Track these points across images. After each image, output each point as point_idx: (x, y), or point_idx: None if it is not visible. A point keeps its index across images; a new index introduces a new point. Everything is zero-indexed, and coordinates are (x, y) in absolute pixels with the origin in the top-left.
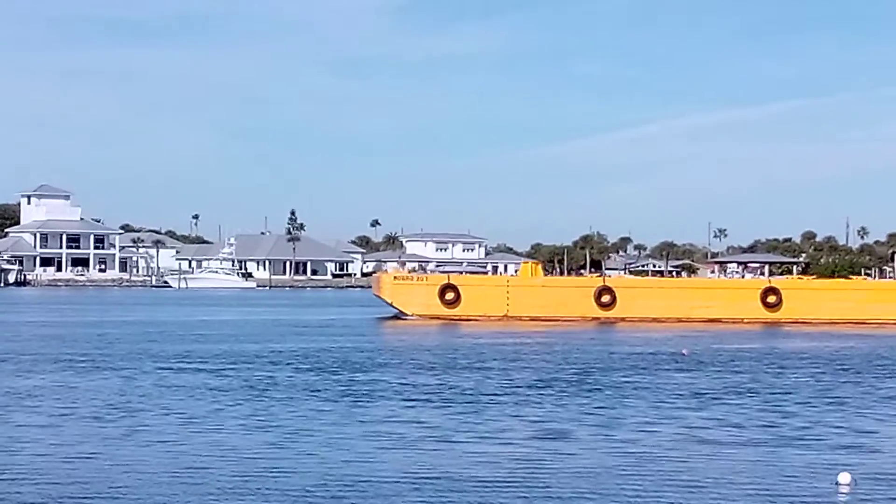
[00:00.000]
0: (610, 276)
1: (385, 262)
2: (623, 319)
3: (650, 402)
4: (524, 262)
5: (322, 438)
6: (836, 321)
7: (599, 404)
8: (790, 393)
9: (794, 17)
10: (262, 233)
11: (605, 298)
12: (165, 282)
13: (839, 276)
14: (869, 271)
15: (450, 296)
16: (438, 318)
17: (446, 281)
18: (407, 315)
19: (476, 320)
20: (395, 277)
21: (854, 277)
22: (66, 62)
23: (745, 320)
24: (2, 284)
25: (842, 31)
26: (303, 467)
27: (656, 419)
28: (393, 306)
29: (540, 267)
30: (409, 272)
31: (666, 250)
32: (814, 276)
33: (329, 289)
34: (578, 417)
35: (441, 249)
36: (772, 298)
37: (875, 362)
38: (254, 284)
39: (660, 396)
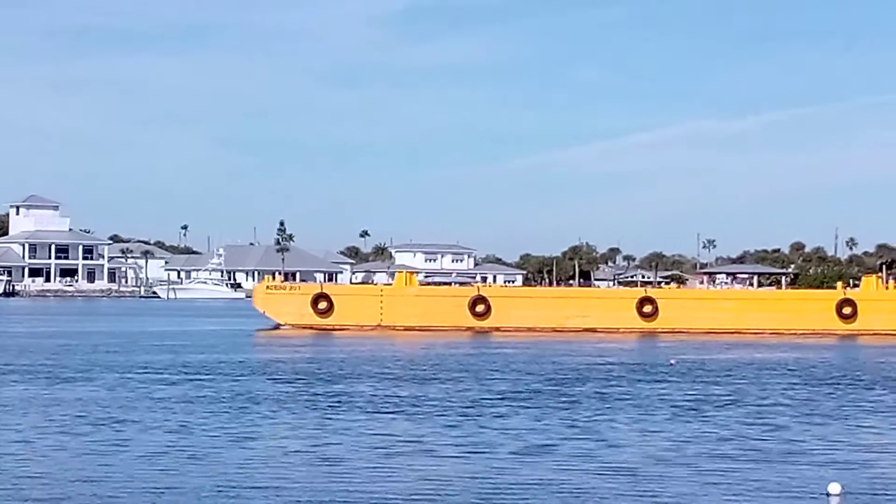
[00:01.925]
0: (486, 286)
1: (374, 272)
2: (498, 329)
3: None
4: (399, 272)
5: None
6: (712, 331)
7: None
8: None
9: (783, 27)
10: (251, 243)
11: (480, 308)
12: (154, 292)
13: (828, 287)
14: (857, 282)
15: (322, 305)
16: (312, 328)
17: (319, 290)
18: (280, 325)
19: (349, 330)
20: (267, 287)
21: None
22: (56, 73)
23: (621, 330)
24: None
25: (830, 41)
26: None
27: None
28: (266, 316)
29: (415, 276)
30: (282, 281)
31: (655, 261)
32: (801, 287)
33: None
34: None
35: (430, 260)
36: (648, 308)
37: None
38: (243, 295)
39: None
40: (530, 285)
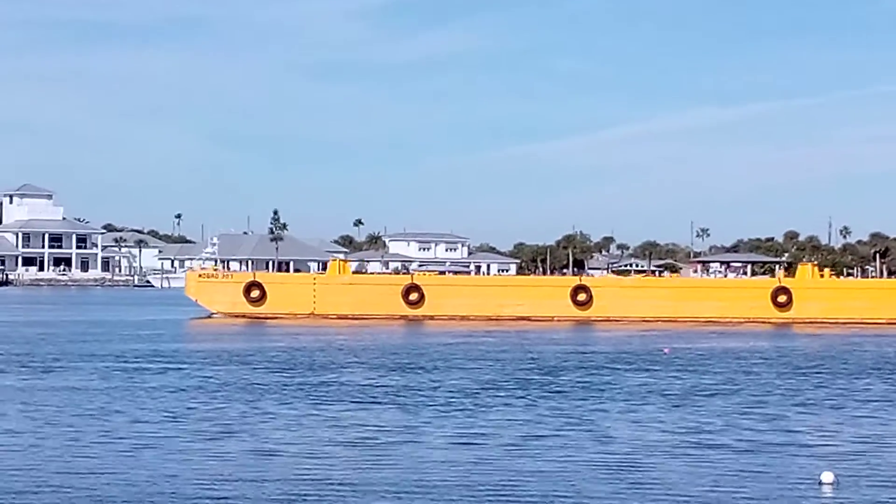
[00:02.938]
0: (420, 274)
1: (368, 261)
2: (432, 318)
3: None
4: (332, 260)
5: None
6: (647, 319)
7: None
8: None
9: (778, 19)
10: (245, 232)
11: (413, 296)
12: (148, 281)
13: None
14: (851, 271)
15: (255, 294)
16: (244, 317)
17: (252, 278)
18: (212, 313)
19: (282, 318)
20: (199, 275)
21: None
22: (48, 65)
23: (556, 318)
24: None
25: (824, 33)
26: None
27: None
28: (199, 304)
29: (349, 265)
30: (214, 269)
31: (649, 250)
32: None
33: None
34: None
35: (424, 249)
36: (582, 296)
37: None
38: None
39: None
40: (524, 274)
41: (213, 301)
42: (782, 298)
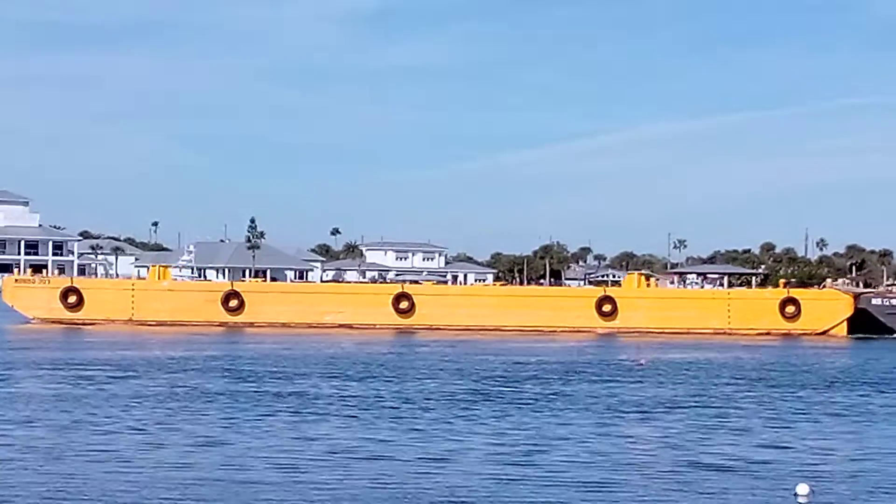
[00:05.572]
0: (241, 281)
1: (345, 270)
2: (251, 325)
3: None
4: (152, 266)
5: None
6: (471, 328)
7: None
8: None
9: (752, 29)
10: (222, 240)
11: (233, 303)
12: None
13: (796, 287)
14: (824, 283)
15: (72, 299)
16: (61, 323)
17: (69, 284)
18: (30, 319)
19: (100, 324)
20: (16, 280)
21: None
22: (22, 68)
23: (378, 326)
24: None
25: (799, 43)
26: None
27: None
28: (15, 310)
29: (169, 270)
30: (31, 274)
31: (626, 261)
32: (770, 287)
33: None
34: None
35: (401, 258)
36: (404, 304)
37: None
38: None
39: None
40: (501, 284)
41: (30, 307)
42: (607, 308)
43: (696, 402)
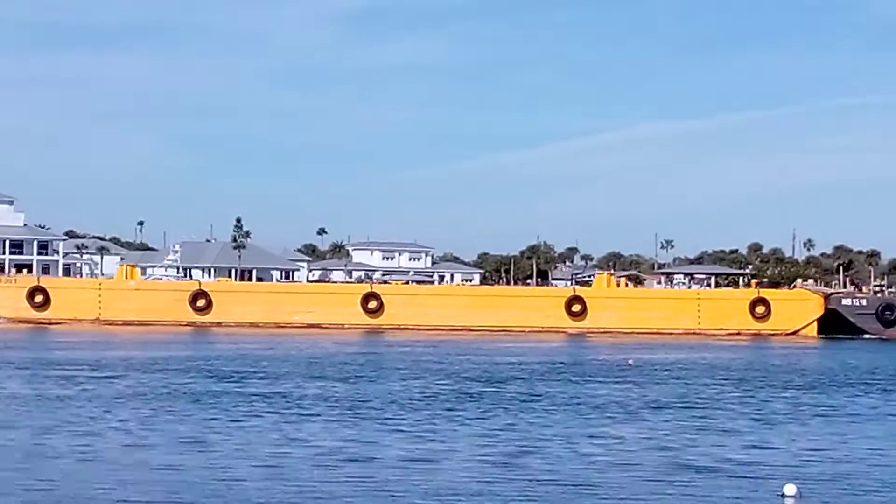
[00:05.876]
0: (209, 281)
1: (331, 270)
2: (219, 324)
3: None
4: (121, 265)
5: None
6: (440, 328)
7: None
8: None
9: (743, 30)
10: (208, 240)
11: (201, 303)
12: None
13: (783, 287)
14: (807, 283)
15: (39, 299)
16: (28, 322)
17: (35, 283)
18: None
19: (67, 324)
20: None
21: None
22: (22, 69)
23: (347, 326)
24: None
25: (799, 43)
26: None
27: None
28: None
29: (137, 269)
30: (10, 273)
31: (613, 261)
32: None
33: None
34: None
35: (388, 258)
36: (373, 304)
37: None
38: None
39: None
40: (488, 284)
41: None
42: (576, 308)
43: (682, 403)
